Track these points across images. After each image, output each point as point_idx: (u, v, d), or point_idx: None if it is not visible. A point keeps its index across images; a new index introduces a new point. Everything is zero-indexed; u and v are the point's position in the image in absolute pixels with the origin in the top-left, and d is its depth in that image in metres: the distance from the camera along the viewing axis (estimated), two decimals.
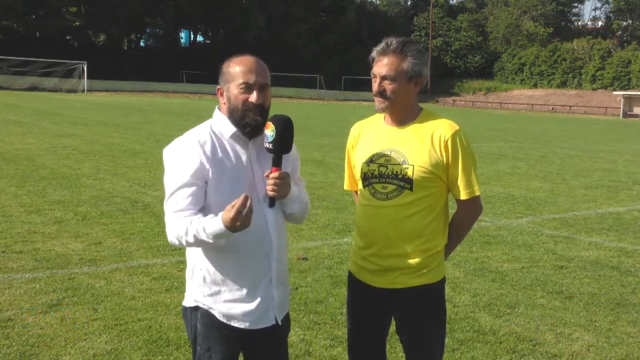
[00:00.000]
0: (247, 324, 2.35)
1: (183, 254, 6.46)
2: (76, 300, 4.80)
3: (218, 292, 2.34)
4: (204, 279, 2.35)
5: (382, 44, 2.54)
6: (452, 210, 2.68)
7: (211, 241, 2.18)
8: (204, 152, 2.28)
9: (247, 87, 2.29)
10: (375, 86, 2.55)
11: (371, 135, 2.66)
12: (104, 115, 26.73)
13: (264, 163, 2.37)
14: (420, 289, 2.58)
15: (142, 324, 4.38)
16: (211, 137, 2.33)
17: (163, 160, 2.37)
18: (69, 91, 54.76)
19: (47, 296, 4.85)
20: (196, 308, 2.38)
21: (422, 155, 2.52)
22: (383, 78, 2.52)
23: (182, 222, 2.23)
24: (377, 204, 2.58)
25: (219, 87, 2.38)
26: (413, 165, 2.52)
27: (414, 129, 2.57)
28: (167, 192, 2.30)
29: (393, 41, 2.52)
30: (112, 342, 4.08)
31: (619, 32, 75.67)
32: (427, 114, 2.63)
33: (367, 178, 2.61)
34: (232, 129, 2.34)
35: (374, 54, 2.56)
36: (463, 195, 2.56)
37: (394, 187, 2.55)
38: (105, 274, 5.46)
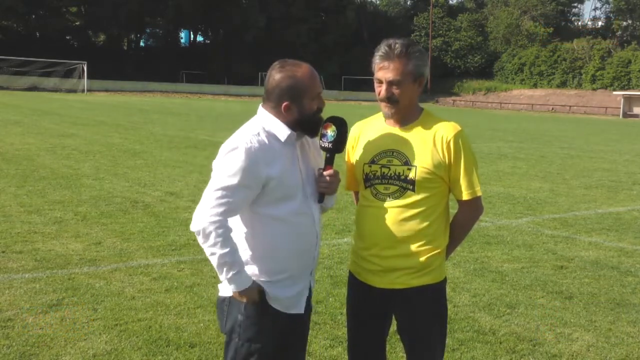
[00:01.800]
0: (290, 310, 2.48)
1: (183, 254, 6.44)
2: (76, 300, 4.80)
3: (267, 283, 2.44)
4: (255, 272, 2.44)
5: (385, 48, 2.50)
6: (453, 210, 2.68)
7: (223, 281, 2.40)
8: (264, 157, 2.34)
9: (320, 95, 2.46)
10: (382, 92, 2.52)
11: (372, 135, 2.65)
12: (104, 115, 26.73)
13: (307, 162, 2.51)
14: (421, 289, 2.58)
15: (142, 324, 4.38)
16: (267, 140, 2.38)
17: (219, 156, 2.38)
18: (69, 91, 54.75)
19: (47, 296, 4.85)
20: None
21: (425, 156, 2.52)
22: (390, 84, 2.50)
23: (224, 241, 2.31)
24: (379, 205, 2.58)
25: (285, 103, 2.39)
26: (416, 167, 2.52)
27: (415, 129, 2.57)
28: (218, 182, 2.33)
29: (396, 45, 2.49)
30: (112, 342, 4.08)
31: (619, 32, 75.66)
32: (428, 114, 2.63)
33: (369, 179, 2.61)
34: (287, 132, 2.41)
35: (377, 59, 2.52)
36: (465, 196, 2.56)
37: (397, 187, 2.55)
38: (105, 274, 5.46)
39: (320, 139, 2.51)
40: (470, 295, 5.27)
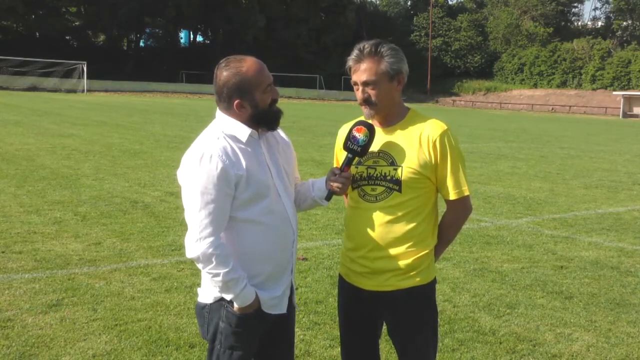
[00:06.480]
0: (273, 311, 2.45)
1: (183, 254, 6.44)
2: (76, 300, 4.80)
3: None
4: None
5: (356, 51, 2.50)
6: (441, 210, 2.68)
7: (227, 297, 2.36)
8: (230, 160, 2.29)
9: (270, 87, 2.39)
10: (359, 94, 2.51)
11: None
12: (104, 116, 26.73)
13: (274, 159, 2.46)
14: (410, 291, 2.56)
15: (141, 324, 4.38)
16: (229, 143, 2.34)
17: (185, 170, 2.34)
18: (69, 91, 54.76)
19: (47, 296, 4.85)
20: (220, 305, 2.40)
21: (411, 156, 2.50)
22: (365, 84, 2.49)
23: (225, 259, 2.29)
24: (366, 207, 2.56)
25: (237, 101, 2.34)
26: (402, 167, 2.50)
27: (401, 129, 2.55)
28: (197, 202, 2.28)
29: (366, 45, 2.48)
30: (112, 342, 4.08)
31: (619, 32, 75.67)
32: (414, 114, 2.60)
33: (355, 180, 2.59)
34: (247, 131, 2.37)
35: (350, 62, 2.51)
36: (452, 196, 2.54)
37: (383, 188, 2.53)
38: (105, 274, 5.46)
39: (349, 140, 2.49)
40: (470, 295, 5.27)
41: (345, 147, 2.52)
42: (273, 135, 2.51)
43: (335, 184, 2.50)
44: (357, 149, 2.48)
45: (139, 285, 5.19)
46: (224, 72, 2.35)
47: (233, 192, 2.30)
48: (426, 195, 2.55)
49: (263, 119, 2.39)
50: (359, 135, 2.47)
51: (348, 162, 2.51)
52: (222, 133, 2.36)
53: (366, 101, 2.51)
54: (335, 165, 2.74)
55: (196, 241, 2.28)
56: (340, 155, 2.70)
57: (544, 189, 11.33)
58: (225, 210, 2.31)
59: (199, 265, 2.33)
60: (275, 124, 2.44)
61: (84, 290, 5.01)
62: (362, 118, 2.59)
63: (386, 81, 2.49)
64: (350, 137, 2.49)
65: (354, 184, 2.60)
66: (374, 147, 2.55)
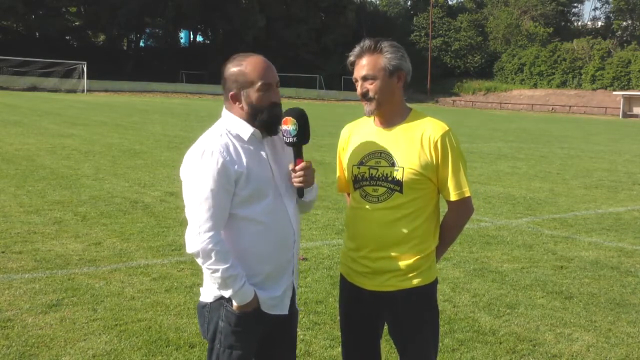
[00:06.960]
0: (273, 311, 2.44)
1: (183, 254, 6.45)
2: (76, 300, 4.80)
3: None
4: None
5: (357, 48, 2.52)
6: (443, 210, 2.68)
7: (225, 295, 2.35)
8: (231, 157, 2.30)
9: (268, 87, 2.35)
10: (358, 89, 2.53)
11: (361, 137, 2.63)
12: (104, 116, 26.73)
13: (278, 159, 2.45)
14: (411, 291, 2.56)
15: (141, 324, 4.38)
16: (231, 141, 2.34)
17: (187, 166, 2.34)
18: (69, 91, 54.76)
19: (47, 296, 4.85)
20: (220, 304, 2.40)
21: (412, 157, 2.49)
22: (364, 79, 2.50)
23: (224, 255, 2.28)
24: (368, 207, 2.56)
25: (232, 92, 2.36)
26: (403, 167, 2.49)
27: (403, 130, 2.54)
28: (198, 196, 2.28)
29: (366, 41, 2.51)
30: (112, 342, 4.08)
31: (619, 32, 75.71)
32: (416, 114, 2.60)
33: (357, 180, 2.59)
34: (250, 130, 2.36)
35: (351, 58, 2.54)
36: (453, 197, 2.54)
37: (384, 189, 2.53)
38: (105, 274, 5.46)
39: (283, 136, 2.42)
40: (470, 295, 5.27)
41: (285, 143, 2.44)
42: (278, 136, 2.50)
43: (296, 180, 2.43)
44: (293, 140, 2.40)
45: (139, 285, 5.19)
46: (227, 65, 2.39)
47: (233, 189, 2.30)
48: (427, 196, 2.55)
49: (260, 120, 2.37)
50: (288, 127, 2.39)
51: (297, 154, 2.43)
52: (226, 130, 2.37)
53: (364, 95, 2.51)
54: (338, 166, 2.78)
55: (196, 236, 2.29)
56: (343, 156, 2.72)
57: (544, 189, 11.34)
58: (225, 206, 2.31)
59: (199, 261, 2.33)
60: (274, 129, 2.41)
61: (84, 290, 5.01)
62: (289, 108, 2.48)
63: (385, 76, 2.49)
64: (283, 134, 2.42)
65: (356, 185, 2.61)
66: (377, 147, 2.55)
